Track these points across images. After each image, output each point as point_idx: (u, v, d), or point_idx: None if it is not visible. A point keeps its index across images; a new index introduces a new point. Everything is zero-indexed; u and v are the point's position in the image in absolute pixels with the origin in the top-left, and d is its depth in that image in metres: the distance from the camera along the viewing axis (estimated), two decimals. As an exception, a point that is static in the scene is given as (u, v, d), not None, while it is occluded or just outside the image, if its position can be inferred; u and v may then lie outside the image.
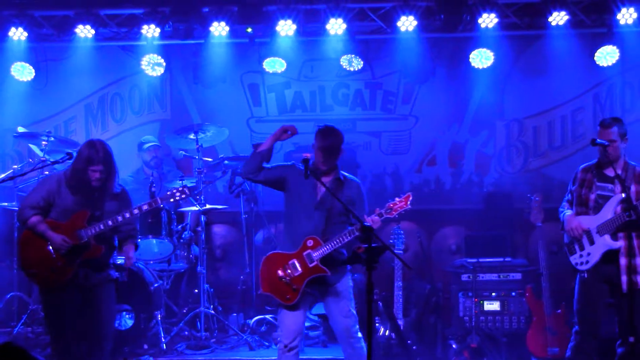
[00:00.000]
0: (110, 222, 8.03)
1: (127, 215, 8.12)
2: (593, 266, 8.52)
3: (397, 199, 8.09)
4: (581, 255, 8.64)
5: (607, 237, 8.39)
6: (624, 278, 8.26)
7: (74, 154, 8.20)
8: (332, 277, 8.15)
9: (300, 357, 8.96)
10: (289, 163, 8.45)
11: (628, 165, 8.46)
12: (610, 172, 8.38)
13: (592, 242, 8.52)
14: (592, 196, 8.60)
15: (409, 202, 8.10)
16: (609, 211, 8.39)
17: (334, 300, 8.18)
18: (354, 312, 8.25)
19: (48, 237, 8.01)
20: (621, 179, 8.18)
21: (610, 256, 8.39)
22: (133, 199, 8.60)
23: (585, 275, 8.61)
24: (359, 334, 8.23)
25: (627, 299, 8.24)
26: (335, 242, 7.97)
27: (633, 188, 8.36)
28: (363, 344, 8.22)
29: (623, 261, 8.29)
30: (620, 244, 8.31)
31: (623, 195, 8.04)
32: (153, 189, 10.60)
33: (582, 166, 8.79)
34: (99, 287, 8.29)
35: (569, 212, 8.83)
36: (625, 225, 8.21)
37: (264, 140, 8.26)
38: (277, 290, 8.04)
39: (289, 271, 7.96)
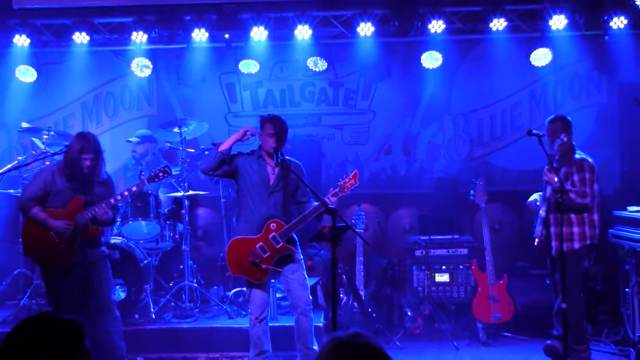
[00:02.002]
0: (104, 205, 8.12)
1: (119, 197, 8.24)
2: (539, 234, 8.99)
3: (346, 177, 8.03)
4: (535, 226, 9.08)
5: (542, 210, 8.90)
6: (552, 244, 8.80)
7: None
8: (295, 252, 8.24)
9: (274, 324, 8.98)
10: (235, 152, 8.34)
11: (572, 153, 8.85)
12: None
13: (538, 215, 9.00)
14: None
15: (357, 179, 8.07)
16: (546, 189, 8.82)
17: (291, 269, 8.15)
18: (308, 281, 8.26)
19: (49, 225, 8.05)
20: (552, 163, 8.50)
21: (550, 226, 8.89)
22: (129, 185, 8.74)
23: (536, 242, 9.10)
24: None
25: (557, 263, 8.70)
26: (296, 223, 7.99)
27: (563, 170, 8.66)
28: (313, 314, 8.26)
29: (552, 229, 8.83)
30: (544, 214, 8.89)
31: (556, 179, 8.21)
32: (142, 177, 10.56)
33: None
34: (97, 263, 8.41)
35: (535, 194, 9.31)
36: (555, 205, 8.64)
37: (224, 140, 8.26)
38: (247, 272, 8.04)
39: (258, 254, 7.94)
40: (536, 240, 9.08)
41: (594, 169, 8.77)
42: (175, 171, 11.08)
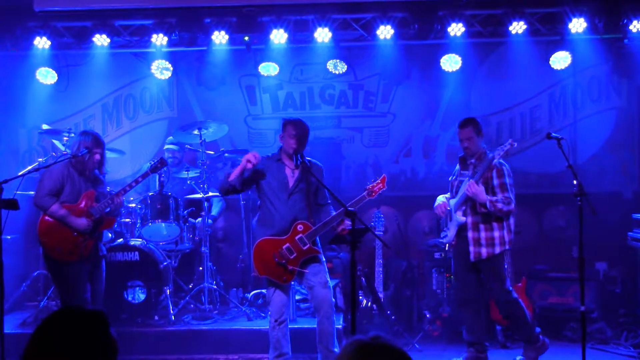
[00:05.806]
0: (115, 196, 8.54)
1: (128, 188, 8.69)
2: (452, 239, 9.00)
3: (374, 181, 8.14)
4: (444, 230, 9.15)
5: (459, 214, 8.88)
6: (470, 249, 8.78)
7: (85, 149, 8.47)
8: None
9: (293, 326, 8.99)
10: None
11: (485, 155, 8.83)
12: (470, 162, 8.97)
13: (451, 219, 9.00)
14: (456, 182, 9.10)
15: (385, 183, 8.15)
16: (461, 192, 8.83)
17: (314, 271, 8.16)
18: (330, 283, 8.28)
19: (70, 222, 8.27)
20: (474, 167, 8.87)
21: (465, 230, 8.85)
22: (148, 185, 9.79)
23: (447, 247, 9.26)
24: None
25: (476, 268, 8.94)
26: (323, 225, 8.02)
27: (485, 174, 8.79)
28: (335, 317, 8.28)
29: (470, 234, 8.79)
30: (465, 219, 8.83)
31: (469, 179, 8.68)
32: (162, 179, 10.63)
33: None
34: (101, 260, 8.77)
35: (441, 196, 9.29)
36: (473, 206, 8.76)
37: (232, 170, 8.29)
38: (273, 273, 8.07)
39: (285, 255, 7.98)
40: (447, 245, 9.22)
41: (511, 174, 8.84)
42: (194, 173, 11.16)
